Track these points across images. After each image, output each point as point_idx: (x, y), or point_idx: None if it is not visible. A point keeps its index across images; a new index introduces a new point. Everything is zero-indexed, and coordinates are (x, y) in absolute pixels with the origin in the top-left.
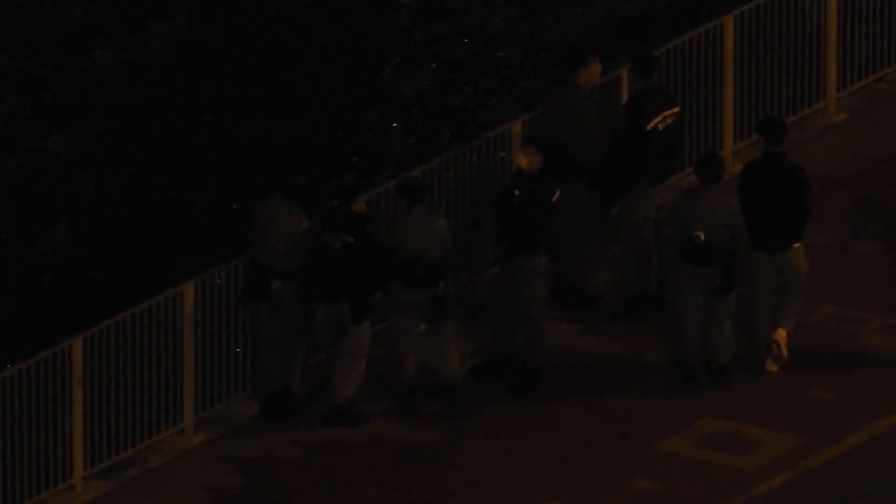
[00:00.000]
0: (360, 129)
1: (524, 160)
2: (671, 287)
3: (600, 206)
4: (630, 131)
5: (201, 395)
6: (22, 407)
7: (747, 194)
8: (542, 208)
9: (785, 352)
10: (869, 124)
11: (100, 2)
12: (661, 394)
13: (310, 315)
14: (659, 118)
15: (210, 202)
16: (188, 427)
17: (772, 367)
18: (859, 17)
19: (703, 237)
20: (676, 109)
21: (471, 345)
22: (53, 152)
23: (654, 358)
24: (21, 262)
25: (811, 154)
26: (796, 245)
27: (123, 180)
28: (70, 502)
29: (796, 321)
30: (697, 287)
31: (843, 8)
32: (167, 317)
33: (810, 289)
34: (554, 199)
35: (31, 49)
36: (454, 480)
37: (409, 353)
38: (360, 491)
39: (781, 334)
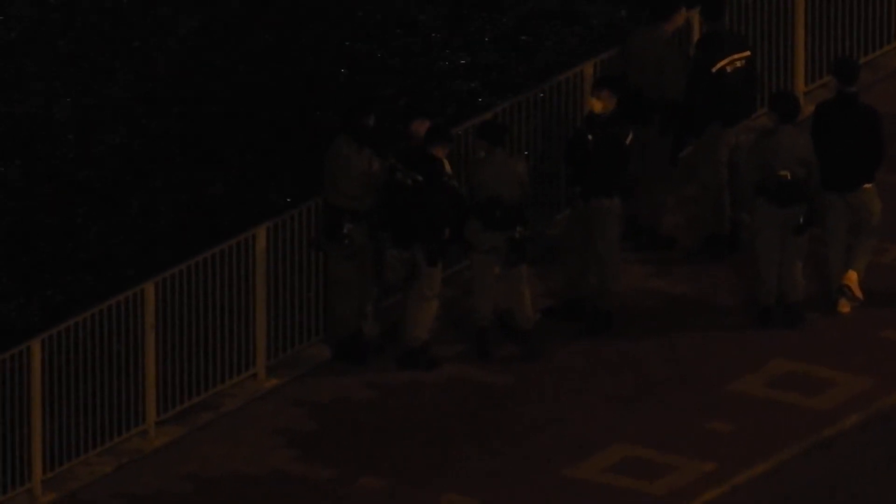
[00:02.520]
0: (429, 72)
1: (598, 104)
2: (750, 227)
3: (672, 148)
4: (698, 74)
5: (274, 338)
6: (95, 352)
7: (820, 135)
8: (616, 151)
9: (859, 293)
10: None
11: None
12: (733, 335)
13: (382, 257)
14: (726, 61)
15: (284, 144)
16: (261, 371)
17: (844, 307)
18: None
19: (789, 176)
20: (747, 53)
21: (544, 287)
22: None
23: (726, 299)
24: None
25: (884, 95)
26: (868, 185)
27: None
28: (144, 447)
29: (869, 261)
30: (777, 226)
31: None
32: (239, 261)
33: (884, 229)
34: (627, 141)
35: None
36: (527, 422)
37: (484, 295)
38: (434, 433)
39: (853, 276)
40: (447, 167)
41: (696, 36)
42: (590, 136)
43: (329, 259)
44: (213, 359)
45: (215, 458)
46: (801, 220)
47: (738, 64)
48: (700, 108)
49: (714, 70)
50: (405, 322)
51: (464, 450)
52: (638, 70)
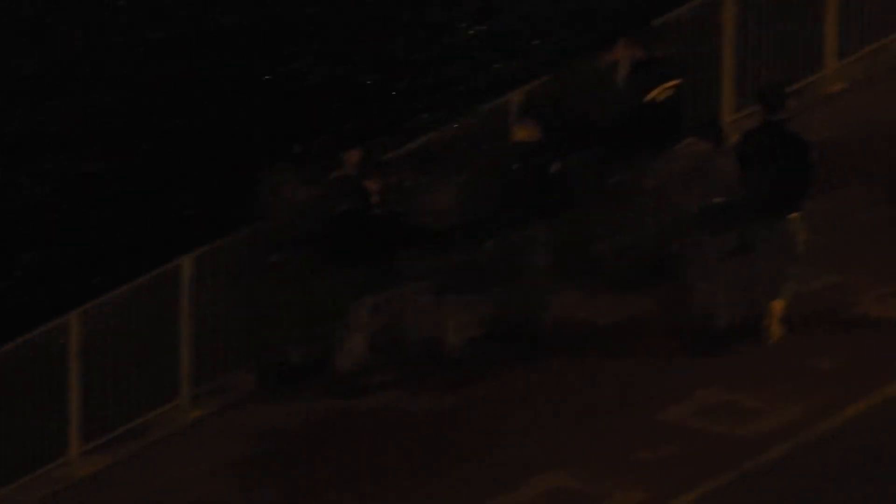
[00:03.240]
0: (366, 97)
1: (522, 132)
2: (680, 254)
3: (601, 176)
4: (631, 102)
5: (200, 368)
6: (18, 382)
7: (746, 162)
8: (541, 180)
9: (781, 325)
10: (868, 93)
11: None
12: (661, 362)
13: (311, 285)
14: (658, 89)
15: (212, 174)
16: (186, 400)
17: (771, 337)
18: None
19: (722, 203)
20: (677, 82)
21: (474, 314)
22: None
23: (655, 326)
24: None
25: (810, 123)
26: (796, 213)
27: (120, 157)
28: (68, 477)
29: (796, 290)
30: (708, 253)
31: None
32: (165, 290)
33: (810, 257)
34: (553, 170)
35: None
36: (457, 450)
37: (413, 323)
38: (363, 461)
39: (778, 305)
40: (378, 195)
41: (625, 64)
42: (516, 165)
43: (257, 287)
44: (138, 388)
45: (142, 487)
46: (733, 246)
47: (669, 92)
48: (630, 136)
49: (648, 99)
50: (335, 349)
51: (394, 478)
52: (574, 97)
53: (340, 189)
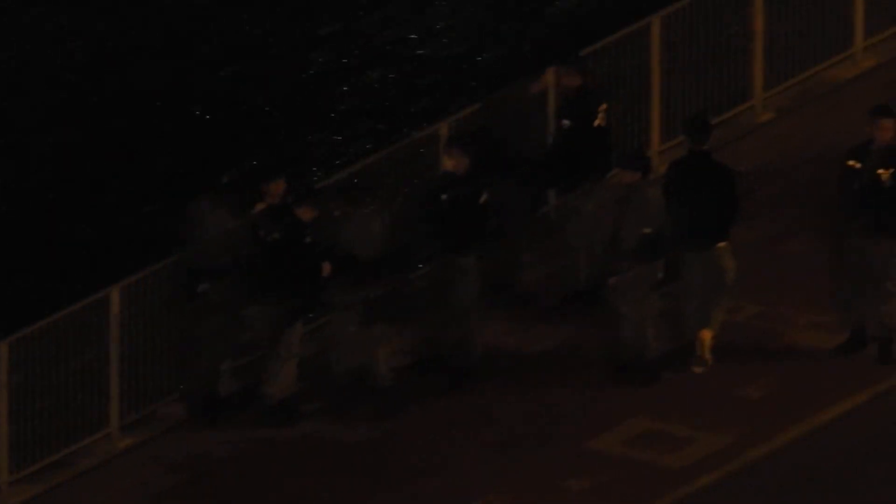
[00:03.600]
0: (290, 130)
1: (449, 162)
2: (611, 283)
3: (532, 205)
4: (578, 127)
5: (129, 397)
6: None
7: (673, 193)
8: (470, 209)
9: (708, 355)
10: (796, 123)
11: None
12: (590, 391)
13: (239, 315)
14: (600, 117)
15: (136, 204)
16: (115, 430)
17: (698, 368)
18: (785, 16)
19: (650, 232)
20: (605, 105)
21: (402, 344)
22: None
23: (584, 356)
24: None
25: (738, 153)
26: (723, 243)
27: (46, 186)
28: None
29: (724, 319)
30: (638, 283)
31: (768, 7)
32: (94, 320)
33: (738, 287)
34: (481, 200)
35: None
36: (385, 479)
37: (342, 352)
38: (291, 491)
39: (707, 334)
40: (309, 225)
41: (554, 93)
42: (444, 195)
43: (186, 317)
44: (68, 417)
45: None
46: (660, 275)
47: (601, 119)
48: (576, 162)
49: (595, 124)
50: (265, 379)
51: None
52: (501, 126)
53: (272, 218)
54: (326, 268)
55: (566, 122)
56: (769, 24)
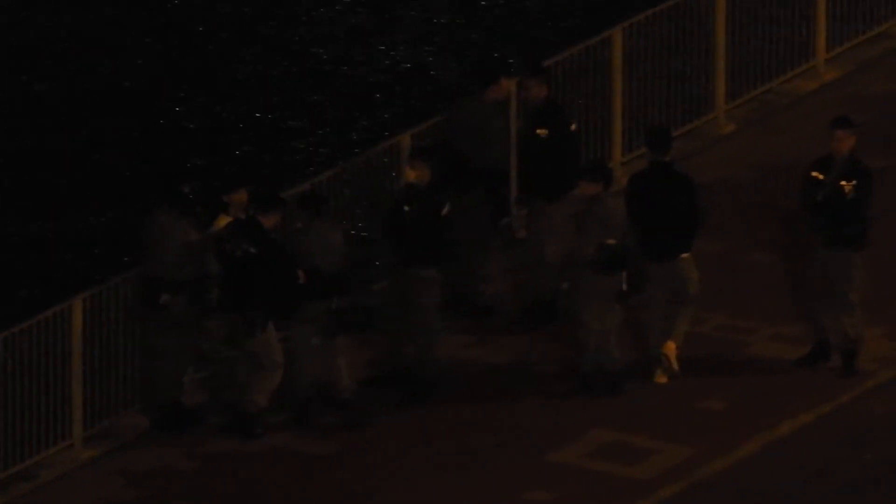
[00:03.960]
0: (254, 141)
1: (412, 174)
2: (571, 295)
3: (493, 217)
4: (555, 135)
5: (91, 409)
6: None
7: (635, 204)
8: (432, 221)
9: (675, 364)
10: (758, 135)
11: None
12: (552, 404)
13: (201, 327)
14: (573, 123)
15: (101, 215)
16: (78, 441)
17: (661, 378)
18: (747, 28)
19: (612, 243)
20: (573, 124)
21: (365, 356)
22: None
23: (546, 368)
24: None
25: (701, 165)
26: (686, 255)
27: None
28: None
29: (687, 331)
30: (599, 294)
31: (730, 19)
32: (56, 332)
33: (701, 298)
34: (444, 212)
35: None
36: (348, 492)
37: (304, 365)
38: (256, 502)
39: (671, 346)
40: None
41: (514, 104)
42: (406, 207)
43: (147, 329)
44: (29, 429)
45: None
46: (624, 287)
47: (574, 127)
48: (526, 178)
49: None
50: (245, 387)
51: None
52: (461, 138)
53: (238, 231)
54: (301, 275)
55: (543, 132)
56: (732, 36)
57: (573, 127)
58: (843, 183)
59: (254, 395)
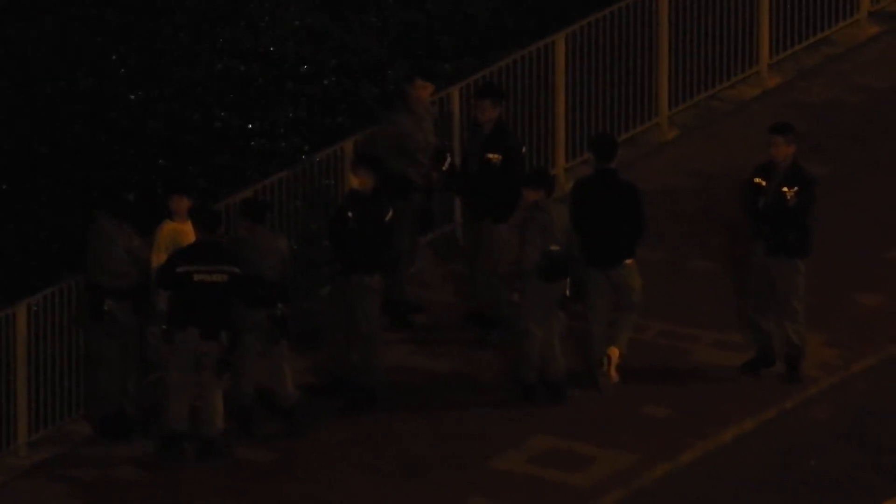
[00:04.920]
0: (194, 147)
1: (356, 180)
2: (519, 303)
3: (423, 225)
4: (509, 160)
5: (35, 415)
6: None
7: (580, 211)
8: (376, 228)
9: (614, 373)
10: (701, 141)
11: None
12: (495, 411)
13: (144, 335)
14: (493, 156)
15: (45, 221)
16: (22, 447)
17: (604, 385)
18: (690, 34)
19: (555, 250)
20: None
21: (307, 363)
22: None
23: (488, 376)
24: None
25: (644, 171)
26: (629, 261)
27: None
28: None
29: (630, 338)
30: (544, 302)
31: (673, 25)
32: (1, 338)
33: (645, 306)
34: (387, 218)
35: None
36: (290, 500)
37: (246, 372)
38: None
39: (614, 352)
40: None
41: (457, 118)
42: (350, 213)
43: (91, 336)
44: None
45: None
46: (567, 292)
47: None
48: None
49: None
50: (206, 412)
51: None
52: (392, 148)
53: (211, 254)
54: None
55: (496, 157)
56: (674, 42)
57: (524, 150)
58: (785, 189)
59: (216, 420)
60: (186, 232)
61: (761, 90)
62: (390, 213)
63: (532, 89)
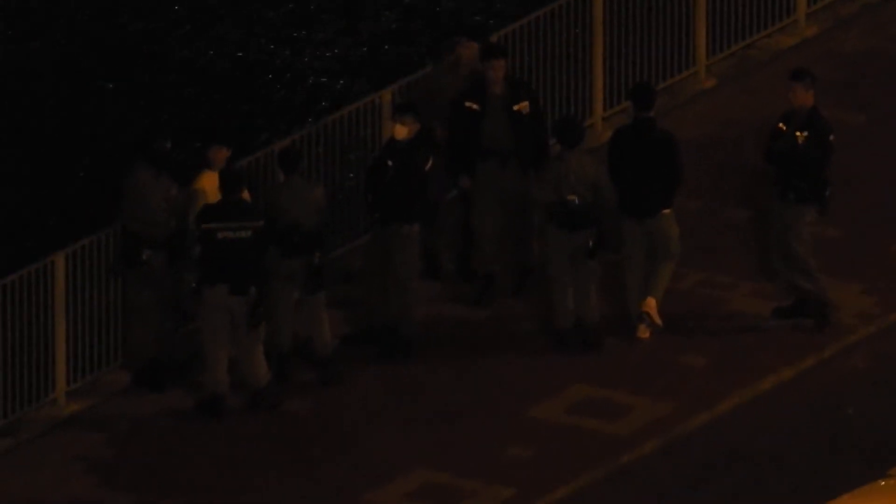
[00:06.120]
0: (230, 97)
1: (403, 129)
2: (544, 252)
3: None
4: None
5: (73, 364)
6: None
7: (617, 160)
8: (416, 178)
9: (657, 319)
10: (739, 91)
11: None
12: (532, 360)
13: (180, 284)
14: (523, 104)
15: (82, 171)
16: (61, 397)
17: (643, 333)
18: None
19: (577, 201)
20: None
21: (344, 313)
22: None
23: (525, 325)
24: None
25: (681, 120)
26: (666, 211)
27: None
28: None
29: (667, 287)
30: (568, 251)
31: None
32: (38, 287)
33: (681, 255)
34: (427, 167)
35: None
36: (327, 448)
37: (283, 321)
38: (233, 459)
39: (651, 303)
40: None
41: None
42: (390, 162)
43: (127, 286)
44: (12, 385)
45: (14, 485)
46: (591, 244)
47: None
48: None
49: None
50: (249, 366)
51: (263, 476)
52: (428, 106)
53: (234, 212)
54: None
55: (523, 105)
56: None
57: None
58: (798, 133)
59: (261, 372)
60: None
61: (798, 39)
62: (430, 163)
63: (570, 38)
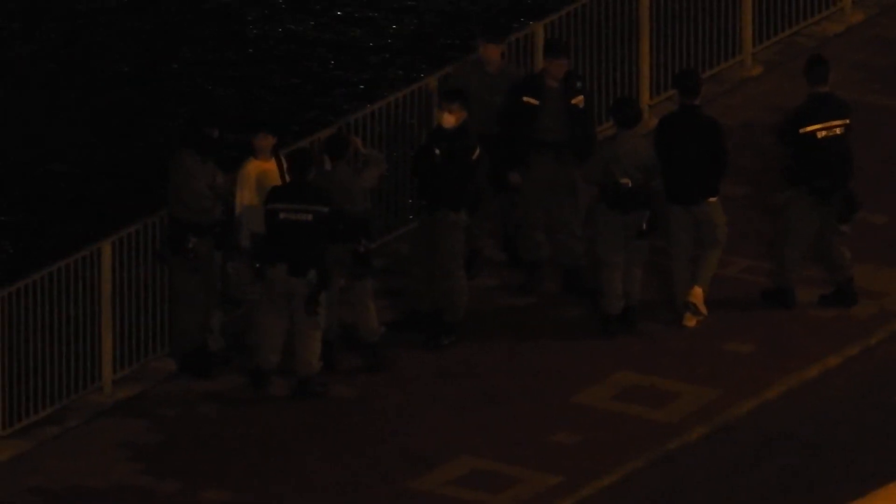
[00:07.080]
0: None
1: (450, 117)
2: (595, 235)
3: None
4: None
5: (120, 352)
6: None
7: (664, 148)
8: (463, 165)
9: (703, 308)
10: (785, 77)
11: None
12: (578, 346)
13: (226, 270)
14: (578, 98)
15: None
16: (107, 384)
17: (689, 321)
18: None
19: (629, 183)
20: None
21: (390, 300)
22: None
23: (571, 311)
24: None
25: (727, 108)
26: (713, 198)
27: (39, 139)
28: None
29: (714, 274)
30: (619, 233)
31: None
32: (85, 274)
33: (728, 242)
34: (474, 156)
35: None
36: (372, 434)
37: (330, 307)
38: (278, 445)
39: (698, 291)
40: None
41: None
42: (437, 150)
43: (173, 272)
44: (58, 373)
45: (61, 471)
46: (644, 226)
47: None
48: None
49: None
50: (300, 351)
51: (308, 462)
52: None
53: (302, 194)
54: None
55: (579, 100)
56: None
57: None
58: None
59: (312, 360)
60: (270, 170)
61: (845, 26)
62: (477, 151)
63: (617, 26)
